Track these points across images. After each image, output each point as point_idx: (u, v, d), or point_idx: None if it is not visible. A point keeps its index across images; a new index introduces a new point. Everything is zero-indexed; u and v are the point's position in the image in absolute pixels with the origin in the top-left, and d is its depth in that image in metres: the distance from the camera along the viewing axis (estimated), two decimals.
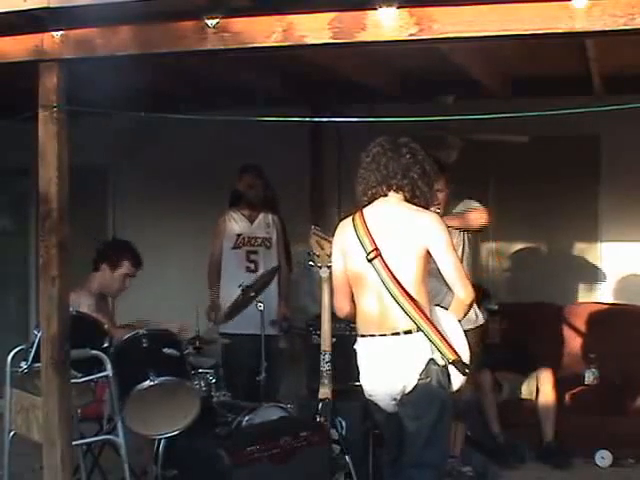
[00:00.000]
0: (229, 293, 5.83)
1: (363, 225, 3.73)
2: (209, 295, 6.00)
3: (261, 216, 6.09)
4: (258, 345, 5.20)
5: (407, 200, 3.76)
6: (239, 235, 6.02)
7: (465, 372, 3.65)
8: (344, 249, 3.83)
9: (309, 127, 6.81)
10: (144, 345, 4.31)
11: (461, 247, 4.96)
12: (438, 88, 6.03)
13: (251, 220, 6.07)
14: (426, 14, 3.31)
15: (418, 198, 3.76)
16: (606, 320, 6.42)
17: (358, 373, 3.80)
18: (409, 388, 3.61)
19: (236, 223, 6.05)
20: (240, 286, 5.43)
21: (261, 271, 5.87)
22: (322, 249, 4.32)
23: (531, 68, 5.62)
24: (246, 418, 4.38)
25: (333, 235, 4.17)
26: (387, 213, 3.75)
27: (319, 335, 4.45)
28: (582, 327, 6.49)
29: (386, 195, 3.77)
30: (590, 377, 5.99)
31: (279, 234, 6.16)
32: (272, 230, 6.11)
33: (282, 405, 4.59)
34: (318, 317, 4.51)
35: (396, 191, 3.75)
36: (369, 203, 3.80)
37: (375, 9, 3.35)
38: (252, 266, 5.98)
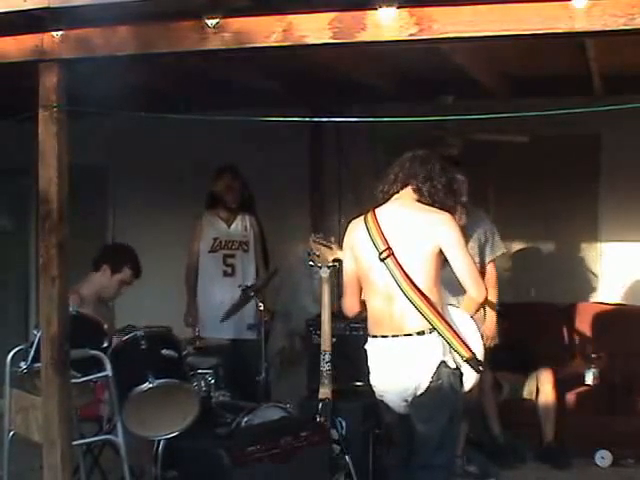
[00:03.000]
0: (207, 297, 5.81)
1: (375, 224, 3.73)
2: (186, 300, 5.94)
3: (238, 219, 6.01)
4: (236, 349, 5.31)
5: (419, 200, 3.76)
6: (216, 239, 5.94)
7: (479, 370, 3.65)
8: (355, 249, 3.82)
9: (309, 127, 6.80)
10: (142, 347, 4.30)
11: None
12: (438, 88, 6.02)
13: (228, 223, 5.99)
14: (426, 14, 3.31)
15: (436, 203, 3.76)
16: (606, 320, 6.41)
17: (368, 373, 3.80)
18: (420, 390, 3.62)
19: (212, 226, 5.97)
20: (240, 286, 5.43)
21: (239, 275, 5.84)
22: (322, 256, 4.31)
23: (531, 68, 5.62)
24: (245, 419, 4.38)
25: (335, 240, 4.19)
26: (400, 212, 3.76)
27: (319, 335, 4.45)
28: (582, 327, 6.49)
29: (399, 192, 3.78)
30: (590, 377, 5.98)
31: (256, 236, 6.07)
32: (249, 233, 6.02)
33: (282, 405, 4.59)
34: (318, 317, 4.52)
35: (414, 191, 3.76)
36: (383, 202, 3.81)
37: (375, 9, 3.35)
38: (229, 270, 5.91)
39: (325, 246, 4.32)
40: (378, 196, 3.85)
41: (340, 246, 4.14)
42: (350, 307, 3.94)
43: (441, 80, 5.89)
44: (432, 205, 3.75)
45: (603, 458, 5.60)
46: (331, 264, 4.25)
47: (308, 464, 4.14)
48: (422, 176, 3.76)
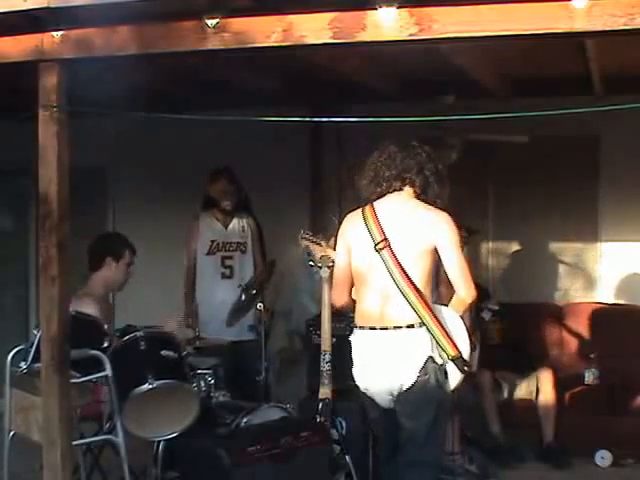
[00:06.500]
0: (207, 299, 5.80)
1: (373, 216, 3.75)
2: (185, 302, 5.91)
3: (235, 220, 5.95)
4: (236, 349, 5.34)
5: (418, 196, 3.78)
6: (213, 241, 5.89)
7: (464, 370, 3.65)
8: (350, 241, 3.83)
9: (309, 127, 6.80)
10: (142, 347, 4.29)
11: None
12: (438, 88, 6.02)
13: (225, 225, 5.94)
14: (426, 14, 3.31)
15: (429, 196, 3.78)
16: (606, 320, 6.42)
17: (352, 365, 3.78)
18: (407, 385, 3.61)
19: (209, 228, 5.92)
20: (240, 286, 5.41)
21: (238, 276, 5.80)
22: (313, 253, 4.31)
23: (531, 68, 5.62)
24: (245, 419, 4.38)
25: (325, 238, 4.19)
26: (398, 207, 3.77)
27: (319, 335, 4.45)
28: (582, 327, 6.49)
29: (400, 190, 3.79)
30: (590, 377, 5.98)
31: (254, 237, 6.03)
32: (247, 234, 5.98)
33: (282, 405, 4.59)
34: (318, 317, 4.51)
35: (409, 185, 3.78)
36: (379, 197, 3.81)
37: (375, 9, 3.35)
38: (227, 272, 5.87)
39: (314, 243, 4.32)
40: (368, 192, 3.84)
41: (330, 244, 4.14)
42: (338, 297, 3.95)
43: (441, 80, 5.89)
44: (427, 196, 3.77)
45: (603, 458, 5.61)
46: (331, 264, 4.24)
47: (308, 464, 4.14)
48: (415, 168, 3.77)
